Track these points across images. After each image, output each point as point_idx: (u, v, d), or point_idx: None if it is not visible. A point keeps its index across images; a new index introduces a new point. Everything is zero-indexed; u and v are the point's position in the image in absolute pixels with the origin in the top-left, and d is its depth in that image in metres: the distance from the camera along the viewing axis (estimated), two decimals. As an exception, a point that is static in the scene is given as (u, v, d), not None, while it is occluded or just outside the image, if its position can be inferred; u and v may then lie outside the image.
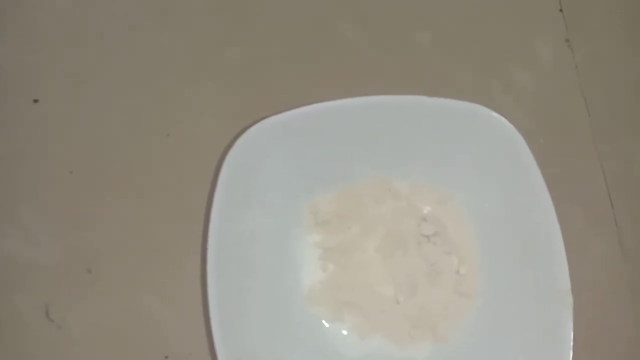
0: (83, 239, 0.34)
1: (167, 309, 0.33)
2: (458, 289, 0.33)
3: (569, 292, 0.30)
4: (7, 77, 0.37)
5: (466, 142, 0.34)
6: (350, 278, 0.33)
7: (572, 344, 0.30)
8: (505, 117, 0.33)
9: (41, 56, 0.37)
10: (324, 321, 0.33)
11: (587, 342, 0.32)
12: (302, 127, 0.33)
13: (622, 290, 0.34)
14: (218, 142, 0.35)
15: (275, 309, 0.32)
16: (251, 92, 0.37)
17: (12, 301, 0.32)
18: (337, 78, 0.37)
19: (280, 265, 0.33)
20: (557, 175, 0.33)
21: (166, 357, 0.32)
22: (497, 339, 0.32)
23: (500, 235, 0.33)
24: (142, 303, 0.33)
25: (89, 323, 0.32)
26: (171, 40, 0.38)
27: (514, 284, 0.32)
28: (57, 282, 0.33)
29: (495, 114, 0.33)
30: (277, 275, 0.33)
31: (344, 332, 0.33)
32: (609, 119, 0.38)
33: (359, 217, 0.34)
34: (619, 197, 0.36)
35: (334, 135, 0.34)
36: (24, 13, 0.38)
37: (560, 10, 0.40)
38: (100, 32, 0.38)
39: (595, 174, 0.36)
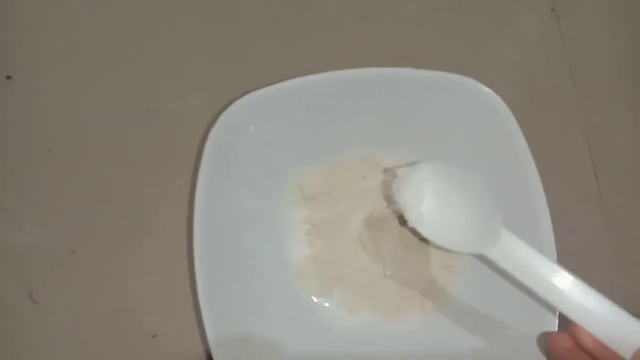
0: (65, 219, 0.33)
1: (154, 288, 0.32)
2: (444, 262, 0.33)
3: (555, 262, 0.31)
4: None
5: (452, 115, 0.33)
6: (338, 253, 0.33)
7: (558, 312, 0.30)
8: (491, 89, 0.33)
9: (14, 31, 0.36)
10: (312, 296, 0.33)
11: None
12: (286, 102, 0.33)
13: (605, 260, 0.35)
14: (201, 118, 0.34)
15: (264, 285, 0.32)
16: (234, 66, 0.36)
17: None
18: (323, 51, 0.37)
19: (267, 241, 0.33)
20: (543, 146, 0.33)
21: (154, 336, 0.32)
22: (483, 310, 0.32)
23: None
24: (129, 282, 0.32)
25: (75, 304, 0.32)
26: (151, 13, 0.37)
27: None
28: (40, 264, 0.32)
29: (482, 86, 0.33)
30: (265, 251, 0.33)
31: (333, 307, 0.33)
32: (594, 90, 0.38)
33: (345, 192, 0.34)
34: (603, 168, 0.36)
35: (319, 110, 0.33)
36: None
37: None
38: (77, 6, 0.37)
39: (580, 145, 0.37)
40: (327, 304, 0.33)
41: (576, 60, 0.38)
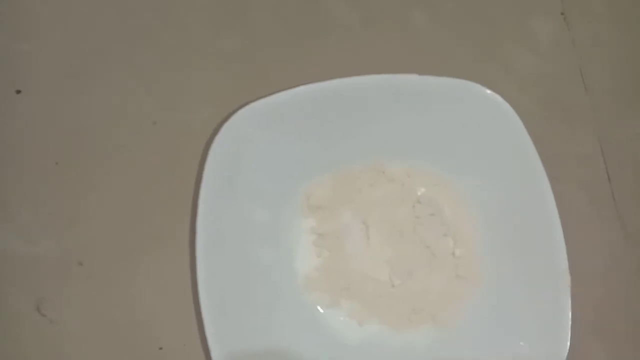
0: (73, 231, 0.33)
1: (160, 301, 0.32)
2: (455, 271, 0.33)
3: (567, 271, 0.30)
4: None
5: (461, 122, 0.33)
6: (346, 263, 0.33)
7: (570, 323, 0.29)
8: (501, 96, 0.32)
9: (23, 45, 0.36)
10: (319, 308, 0.32)
11: (593, 325, 0.32)
12: (291, 110, 0.32)
13: (624, 271, 0.34)
14: (207, 129, 0.34)
15: (270, 296, 0.32)
16: (240, 76, 0.36)
17: (1, 296, 0.32)
18: (330, 59, 0.36)
19: (273, 252, 0.33)
20: (555, 154, 0.32)
21: (160, 348, 0.31)
22: (496, 321, 0.31)
23: (496, 216, 0.33)
24: (135, 295, 0.32)
25: (82, 317, 0.32)
26: (158, 26, 0.37)
27: (512, 265, 0.32)
28: (48, 276, 0.32)
29: (490, 92, 0.32)
30: (271, 262, 0.32)
31: (342, 319, 0.32)
32: (606, 96, 0.37)
33: (353, 202, 0.34)
34: (617, 176, 0.35)
35: (325, 118, 0.33)
36: (6, 1, 0.37)
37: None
38: (85, 18, 0.37)
39: (593, 152, 0.36)
40: (335, 315, 0.32)
41: (587, 64, 0.37)
